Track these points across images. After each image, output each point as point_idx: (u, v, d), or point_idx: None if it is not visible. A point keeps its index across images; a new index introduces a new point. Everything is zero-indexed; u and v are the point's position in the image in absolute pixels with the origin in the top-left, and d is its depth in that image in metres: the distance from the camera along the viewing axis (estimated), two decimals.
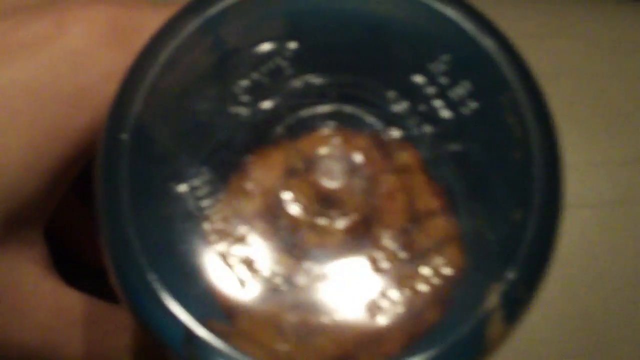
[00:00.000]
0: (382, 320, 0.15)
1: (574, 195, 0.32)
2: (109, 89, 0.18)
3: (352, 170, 0.16)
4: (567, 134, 0.33)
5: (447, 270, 0.16)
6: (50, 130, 0.19)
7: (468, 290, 0.15)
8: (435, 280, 0.16)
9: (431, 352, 0.15)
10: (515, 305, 0.16)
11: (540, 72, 0.34)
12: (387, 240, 0.16)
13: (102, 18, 0.20)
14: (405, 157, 0.16)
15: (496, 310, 0.15)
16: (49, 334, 0.20)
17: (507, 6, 0.35)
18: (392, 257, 0.16)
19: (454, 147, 0.16)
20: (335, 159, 0.16)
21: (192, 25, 0.16)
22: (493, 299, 0.15)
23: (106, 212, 0.16)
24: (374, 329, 0.15)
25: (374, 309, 0.16)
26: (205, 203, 0.16)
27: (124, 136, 0.16)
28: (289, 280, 0.16)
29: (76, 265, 0.24)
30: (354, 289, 0.16)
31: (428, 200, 0.16)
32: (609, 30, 0.34)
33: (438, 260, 0.15)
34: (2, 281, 0.20)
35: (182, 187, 0.16)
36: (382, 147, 0.16)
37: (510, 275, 0.15)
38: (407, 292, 0.16)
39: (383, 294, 0.16)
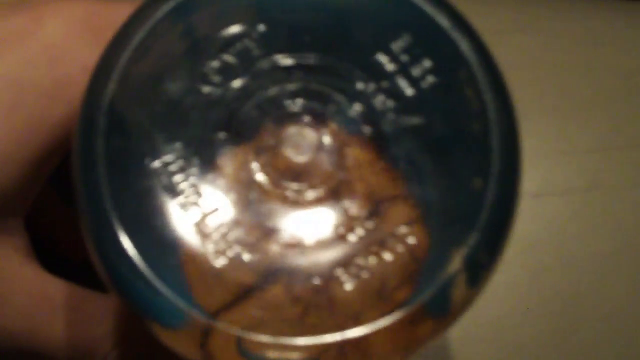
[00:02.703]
0: (366, 290, 0.16)
1: (544, 183, 0.33)
2: (86, 81, 0.18)
3: (320, 145, 0.17)
4: (536, 124, 0.34)
5: (413, 252, 0.16)
6: (30, 121, 0.20)
7: (434, 254, 0.16)
8: (403, 261, 0.16)
9: (399, 314, 0.16)
10: (478, 268, 0.16)
11: (508, 66, 0.35)
12: (354, 211, 0.17)
13: (78, 13, 0.21)
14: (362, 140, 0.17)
15: (460, 274, 0.16)
16: (29, 319, 0.21)
17: (475, 3, 0.36)
18: (361, 226, 0.17)
19: (416, 120, 0.17)
20: (303, 135, 0.17)
21: (162, 10, 0.17)
22: (456, 263, 0.16)
23: (84, 190, 0.16)
24: (362, 299, 0.16)
25: (355, 279, 0.16)
26: (178, 178, 0.16)
27: (99, 116, 0.16)
28: (261, 250, 0.16)
29: (57, 260, 0.24)
30: (331, 260, 0.16)
31: (387, 186, 0.16)
32: (572, 25, 0.36)
33: (404, 221, 0.16)
34: None
35: (156, 163, 0.16)
36: (349, 123, 0.17)
37: (472, 240, 0.16)
38: (383, 258, 0.16)
39: (351, 268, 0.16)
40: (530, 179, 0.33)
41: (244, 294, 0.16)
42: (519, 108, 0.34)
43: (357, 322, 0.16)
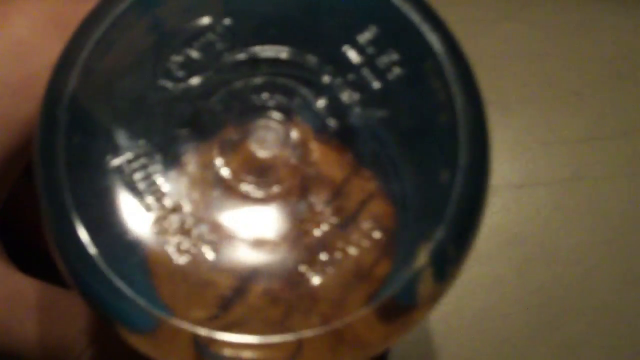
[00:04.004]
0: (334, 285, 0.16)
1: (528, 174, 0.33)
2: None
3: (285, 140, 0.17)
4: (520, 115, 0.33)
5: (381, 223, 0.16)
6: None
7: (403, 248, 0.16)
8: (374, 235, 0.16)
9: (367, 309, 0.16)
10: (445, 263, 0.16)
11: (492, 55, 0.35)
12: (320, 206, 0.16)
13: (45, 10, 0.20)
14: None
15: (426, 268, 0.16)
16: (0, 319, 0.21)
17: None
18: (326, 221, 0.16)
19: (382, 113, 0.17)
20: (268, 130, 0.17)
21: (125, 3, 0.17)
22: (423, 257, 0.16)
23: (44, 187, 0.16)
24: (331, 294, 0.16)
25: (321, 275, 0.16)
26: (141, 175, 0.16)
27: (60, 112, 0.16)
28: (225, 248, 0.16)
29: (32, 253, 0.24)
30: (295, 257, 0.16)
31: (354, 180, 0.16)
32: (557, 14, 0.35)
33: (370, 216, 0.16)
34: None
35: (118, 160, 0.16)
36: (315, 117, 0.17)
37: (439, 234, 0.16)
38: (348, 253, 0.16)
39: (324, 259, 0.16)
40: (514, 170, 0.33)
41: (212, 292, 0.16)
42: (502, 97, 0.34)
43: (327, 317, 0.16)
